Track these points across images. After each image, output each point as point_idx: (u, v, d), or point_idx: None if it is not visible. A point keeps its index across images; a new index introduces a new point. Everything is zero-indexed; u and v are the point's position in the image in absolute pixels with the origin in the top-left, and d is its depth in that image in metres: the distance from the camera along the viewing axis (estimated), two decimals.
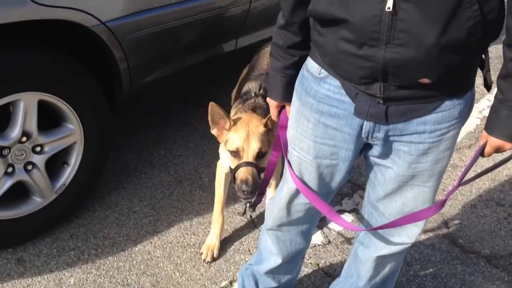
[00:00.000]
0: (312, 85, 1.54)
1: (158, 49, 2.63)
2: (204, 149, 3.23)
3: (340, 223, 1.68)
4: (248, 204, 2.24)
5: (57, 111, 2.37)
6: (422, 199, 1.62)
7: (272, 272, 2.01)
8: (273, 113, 1.80)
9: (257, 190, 2.07)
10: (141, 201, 2.80)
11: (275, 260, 1.97)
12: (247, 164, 2.07)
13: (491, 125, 1.45)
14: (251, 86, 2.53)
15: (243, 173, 2.06)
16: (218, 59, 3.08)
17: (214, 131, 2.20)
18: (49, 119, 2.38)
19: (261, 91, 2.47)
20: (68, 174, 2.50)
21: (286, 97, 1.69)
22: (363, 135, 1.52)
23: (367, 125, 1.49)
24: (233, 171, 2.11)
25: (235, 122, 2.16)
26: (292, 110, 1.66)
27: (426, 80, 1.35)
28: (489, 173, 3.11)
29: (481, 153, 1.52)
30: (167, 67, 2.76)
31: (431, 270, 2.50)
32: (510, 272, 2.50)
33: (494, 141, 1.45)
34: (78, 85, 2.38)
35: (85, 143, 2.50)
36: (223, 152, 2.22)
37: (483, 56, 1.48)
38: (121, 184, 2.90)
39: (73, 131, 2.43)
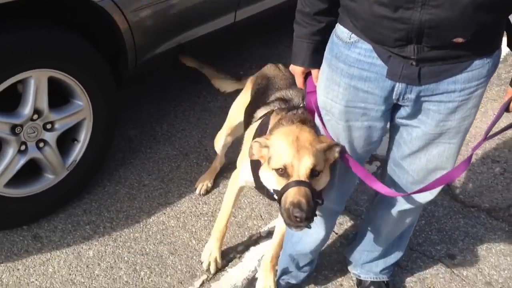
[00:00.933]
0: (342, 50, 1.56)
1: (162, 22, 2.64)
2: (206, 122, 3.27)
3: (378, 188, 1.69)
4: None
5: (67, 88, 2.39)
6: (446, 155, 1.67)
7: (315, 248, 2.06)
8: (299, 80, 1.81)
9: (314, 216, 1.64)
10: (149, 175, 2.84)
11: (318, 233, 2.00)
12: (298, 183, 1.61)
13: None
14: (288, 94, 2.09)
15: (293, 195, 1.59)
16: (219, 33, 3.10)
17: (255, 157, 1.76)
18: (59, 97, 2.39)
19: (292, 103, 2.03)
20: (78, 150, 2.53)
21: (313, 63, 1.71)
22: (394, 97, 1.56)
23: (399, 86, 1.52)
24: (279, 194, 1.65)
25: (276, 127, 1.78)
26: (321, 77, 1.68)
27: (460, 40, 1.38)
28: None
29: (506, 108, 1.58)
30: (171, 41, 2.77)
31: (436, 224, 2.62)
32: (510, 223, 2.63)
33: None
34: (86, 61, 2.40)
35: (94, 119, 2.52)
36: (265, 173, 1.72)
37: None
38: (128, 159, 2.94)
39: (82, 108, 2.45)
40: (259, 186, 1.86)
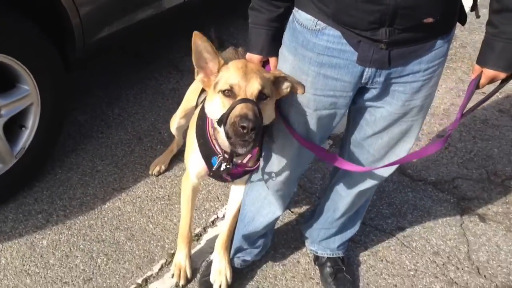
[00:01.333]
0: (309, 38, 1.54)
1: (109, 1, 2.57)
2: (159, 105, 3.23)
3: (347, 167, 1.73)
4: (226, 162, 1.73)
5: (11, 72, 2.29)
6: (408, 131, 1.72)
7: (269, 225, 2.09)
8: None
9: (260, 131, 1.56)
10: (103, 161, 2.79)
11: (272, 212, 2.02)
12: (245, 100, 1.54)
13: (485, 58, 1.55)
14: None
15: (240, 108, 1.52)
16: (169, 14, 3.04)
17: (199, 77, 1.67)
18: (3, 81, 2.30)
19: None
20: (26, 137, 2.45)
21: (271, 51, 1.68)
22: (363, 81, 1.57)
23: (369, 71, 1.54)
24: (225, 116, 1.55)
25: (226, 62, 1.67)
26: (285, 67, 1.65)
27: (430, 20, 1.42)
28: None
29: (476, 86, 1.63)
30: (118, 21, 2.70)
31: (386, 199, 2.72)
32: (455, 195, 2.77)
33: (489, 73, 1.56)
34: (30, 43, 2.30)
35: (41, 104, 2.44)
36: (210, 103, 1.64)
37: None
38: (79, 145, 2.87)
39: (29, 92, 2.36)
40: (213, 171, 1.81)
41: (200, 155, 1.85)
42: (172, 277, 2.22)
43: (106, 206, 2.52)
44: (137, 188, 2.64)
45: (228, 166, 1.74)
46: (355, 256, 2.40)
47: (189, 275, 2.22)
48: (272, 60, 1.69)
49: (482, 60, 1.57)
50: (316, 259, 2.32)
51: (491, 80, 1.59)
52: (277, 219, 2.11)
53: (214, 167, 1.77)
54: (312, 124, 1.68)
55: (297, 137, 1.69)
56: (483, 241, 2.51)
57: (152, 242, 2.37)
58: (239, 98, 1.55)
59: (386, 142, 1.75)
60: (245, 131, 1.49)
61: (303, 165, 1.91)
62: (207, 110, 1.67)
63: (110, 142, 2.91)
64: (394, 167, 1.86)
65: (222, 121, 1.56)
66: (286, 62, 1.64)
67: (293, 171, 1.86)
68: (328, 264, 2.27)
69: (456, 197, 2.75)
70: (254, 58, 1.69)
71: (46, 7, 2.37)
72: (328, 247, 2.27)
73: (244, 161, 1.80)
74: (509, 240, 2.52)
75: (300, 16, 1.55)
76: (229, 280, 2.18)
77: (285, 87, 1.64)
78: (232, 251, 2.24)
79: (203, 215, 2.54)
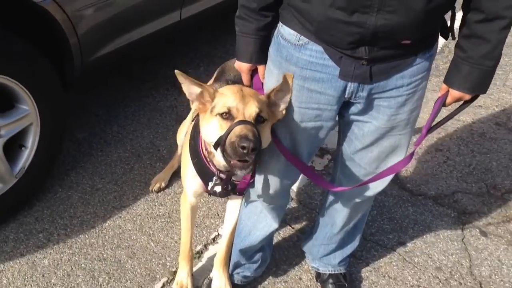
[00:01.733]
0: (292, 52, 1.58)
1: (107, 21, 2.59)
2: (157, 122, 3.24)
3: (325, 185, 1.79)
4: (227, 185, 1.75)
5: (10, 92, 2.30)
6: (398, 145, 1.75)
7: (266, 239, 2.09)
8: (245, 77, 1.79)
9: (260, 152, 1.56)
10: (102, 179, 2.78)
11: (269, 225, 2.04)
12: (244, 122, 1.54)
13: (452, 79, 1.60)
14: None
15: (240, 129, 1.51)
16: (165, 32, 3.06)
17: (194, 105, 1.68)
18: (2, 102, 2.30)
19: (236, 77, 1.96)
20: (26, 157, 2.45)
21: (259, 59, 1.71)
22: (346, 95, 1.60)
23: (351, 86, 1.57)
24: (223, 138, 1.54)
25: (217, 89, 1.68)
26: (270, 79, 1.68)
27: (407, 41, 1.47)
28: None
29: (443, 103, 1.67)
30: (116, 40, 2.72)
31: (387, 214, 2.72)
32: (455, 209, 2.78)
33: (455, 93, 1.61)
34: (29, 64, 2.31)
35: (41, 124, 2.44)
36: (207, 126, 1.63)
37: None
38: (79, 163, 2.86)
39: (28, 112, 2.37)
40: (208, 190, 1.81)
41: (195, 173, 1.84)
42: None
43: (107, 225, 2.52)
44: (137, 206, 2.63)
45: (224, 188, 1.75)
46: (357, 272, 2.40)
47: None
48: (260, 68, 1.73)
49: (449, 81, 1.62)
50: (318, 276, 2.31)
51: (457, 100, 1.64)
52: (273, 232, 2.11)
53: (209, 188, 1.77)
54: (299, 136, 1.71)
55: (283, 151, 1.71)
56: (485, 256, 2.51)
57: (153, 260, 2.36)
58: (237, 120, 1.55)
59: (376, 155, 1.77)
60: (245, 151, 1.48)
61: (291, 177, 1.90)
62: (203, 134, 1.67)
63: (110, 160, 2.91)
64: (386, 181, 1.88)
65: (219, 144, 1.56)
66: (271, 76, 1.68)
67: (282, 183, 1.86)
68: (330, 281, 2.26)
69: (457, 211, 2.76)
70: (243, 66, 1.72)
71: (43, 28, 2.38)
72: (329, 264, 2.27)
73: (241, 180, 1.80)
74: (511, 254, 2.52)
75: (284, 31, 1.59)
76: None
77: (282, 109, 1.66)
78: (231, 267, 2.23)
79: (204, 232, 2.54)
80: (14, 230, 2.43)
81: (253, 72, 1.78)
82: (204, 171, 1.79)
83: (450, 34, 1.66)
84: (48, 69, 2.43)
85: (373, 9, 1.39)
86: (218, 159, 1.63)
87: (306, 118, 1.67)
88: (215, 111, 1.60)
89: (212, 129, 1.60)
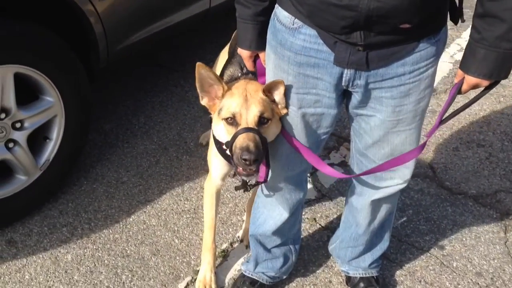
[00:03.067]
0: (286, 37, 1.51)
1: (133, 10, 2.51)
2: (185, 113, 3.16)
3: (328, 172, 1.70)
4: (249, 182, 1.83)
5: (35, 84, 2.26)
6: (409, 142, 1.66)
7: (279, 230, 2.00)
8: (248, 64, 1.74)
9: (262, 159, 1.66)
10: (128, 171, 2.73)
11: (280, 213, 1.96)
12: (247, 130, 1.64)
13: (467, 64, 1.48)
14: (232, 70, 2.04)
15: (242, 140, 1.62)
16: (194, 20, 2.97)
17: (204, 101, 1.74)
18: (27, 93, 2.25)
19: (245, 69, 1.97)
20: (51, 149, 2.41)
21: (260, 45, 1.64)
22: (343, 83, 1.53)
23: (348, 72, 1.49)
24: (229, 144, 1.66)
25: (229, 87, 1.72)
26: (269, 64, 1.63)
27: (406, 25, 1.36)
28: (467, 116, 3.21)
29: (458, 91, 1.56)
30: (142, 30, 2.64)
31: (424, 214, 2.57)
32: (497, 209, 2.60)
33: (471, 80, 1.49)
34: (54, 55, 2.26)
35: (66, 116, 2.39)
36: (216, 127, 1.73)
37: None
38: (105, 155, 2.81)
39: (52, 104, 2.32)
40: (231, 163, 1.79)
41: (217, 150, 1.92)
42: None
43: (131, 220, 2.46)
44: (162, 201, 2.57)
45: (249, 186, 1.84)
46: (391, 276, 2.26)
47: None
48: (261, 54, 1.67)
49: (464, 66, 1.50)
50: (348, 280, 2.19)
51: (473, 87, 1.52)
52: (288, 223, 2.01)
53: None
54: (299, 122, 1.65)
55: (285, 136, 1.69)
56: None
57: (177, 258, 2.29)
58: (240, 127, 1.64)
59: (389, 152, 1.68)
60: (247, 162, 1.59)
61: (298, 164, 1.81)
62: (214, 133, 1.77)
63: (136, 152, 2.85)
64: (403, 177, 1.78)
65: (228, 146, 1.67)
66: (269, 60, 1.62)
67: (288, 169, 1.81)
68: (362, 285, 2.14)
69: (499, 212, 2.58)
70: (244, 53, 1.69)
71: (69, 18, 2.32)
72: (359, 266, 2.15)
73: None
74: None
75: (279, 14, 1.52)
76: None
77: (280, 103, 1.67)
78: (252, 262, 2.15)
79: (230, 229, 2.45)
80: (38, 224, 2.39)
81: (256, 58, 1.72)
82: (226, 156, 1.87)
83: (460, 17, 1.54)
84: (73, 60, 2.38)
85: None
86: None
87: (305, 104, 1.60)
88: (221, 115, 1.68)
89: (221, 132, 1.71)
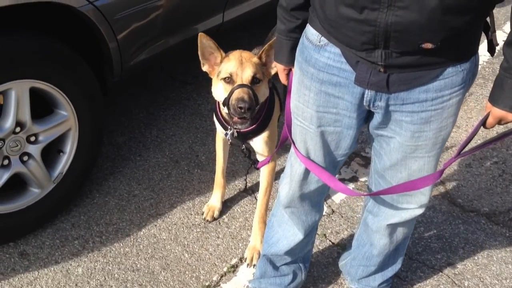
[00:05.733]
0: (312, 53, 1.52)
1: (146, 26, 2.53)
2: (197, 126, 3.18)
3: (340, 188, 1.68)
4: (249, 158, 2.21)
5: (49, 98, 2.29)
6: (427, 169, 1.63)
7: (291, 250, 2.00)
8: (282, 76, 1.78)
9: (254, 111, 2.01)
10: (139, 184, 2.75)
11: (295, 234, 1.96)
12: (241, 85, 1.98)
13: (494, 95, 1.44)
14: None
15: (238, 93, 1.97)
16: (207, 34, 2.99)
17: (205, 68, 2.11)
18: (41, 107, 2.29)
19: None
20: (64, 162, 2.43)
21: (291, 61, 1.67)
22: (364, 103, 1.51)
23: (369, 93, 1.48)
24: (227, 100, 2.00)
25: (227, 54, 2.08)
26: (294, 79, 1.65)
27: (429, 45, 1.32)
28: (480, 132, 3.18)
29: (484, 123, 1.51)
30: (156, 44, 2.67)
31: (435, 231, 2.55)
32: (510, 228, 2.57)
33: (497, 112, 1.44)
34: (69, 69, 2.29)
35: (79, 129, 2.42)
36: (215, 88, 2.08)
37: (487, 19, 1.46)
38: (117, 168, 2.84)
39: (67, 118, 2.35)
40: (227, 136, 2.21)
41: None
42: (202, 214, 2.57)
43: (142, 233, 2.47)
44: (173, 215, 2.58)
45: (233, 133, 2.16)
46: None
47: (215, 216, 2.55)
48: (294, 69, 1.68)
49: (492, 98, 1.45)
50: None
51: (499, 121, 1.46)
52: (301, 244, 2.01)
53: (227, 137, 2.21)
54: (318, 141, 1.64)
55: (298, 155, 1.70)
56: None
57: (187, 272, 2.30)
58: (236, 84, 1.99)
59: (406, 177, 1.65)
60: (242, 110, 1.95)
61: (313, 185, 1.81)
62: (213, 94, 2.12)
63: (148, 165, 2.87)
64: (421, 204, 1.76)
65: (225, 103, 2.01)
66: (295, 76, 1.64)
67: (302, 189, 1.81)
68: None
69: None
70: (278, 66, 1.76)
71: (83, 32, 2.35)
72: (368, 285, 2.14)
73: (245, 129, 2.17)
74: None
75: (308, 31, 1.54)
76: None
77: (273, 66, 2.01)
78: (257, 273, 2.15)
79: (240, 244, 2.45)
80: (50, 236, 2.42)
81: (289, 72, 1.75)
82: (221, 123, 2.25)
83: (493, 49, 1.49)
84: (87, 74, 2.41)
85: (383, 5, 1.27)
86: (225, 115, 2.17)
87: (324, 122, 1.59)
88: (220, 76, 2.04)
89: (219, 91, 2.06)
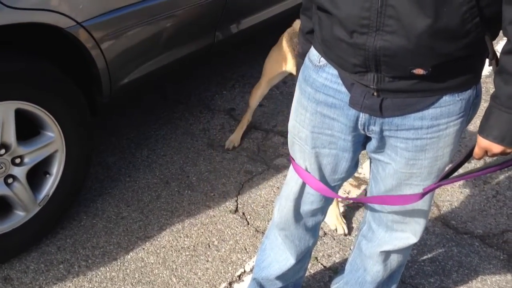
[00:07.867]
0: (311, 73, 1.52)
1: (136, 47, 2.51)
2: (188, 147, 3.14)
3: (329, 194, 1.67)
4: None
5: (36, 119, 2.25)
6: (422, 198, 1.58)
7: (283, 275, 1.95)
8: None
9: None
10: (128, 206, 2.70)
11: (287, 259, 1.91)
12: None
13: (481, 124, 1.38)
14: None
15: None
16: (199, 54, 2.98)
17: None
18: (27, 128, 2.25)
19: None
20: (51, 184, 2.38)
21: None
22: (359, 127, 1.49)
23: (363, 116, 1.46)
24: None
25: None
26: (294, 98, 1.64)
27: (420, 71, 1.29)
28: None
29: (470, 153, 1.45)
30: (146, 64, 2.65)
31: (428, 254, 2.51)
32: (505, 250, 2.53)
33: (482, 142, 1.37)
34: (56, 90, 2.26)
35: (66, 151, 2.38)
36: None
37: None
38: (106, 189, 2.80)
39: (53, 139, 2.31)
40: None
41: None
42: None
43: (129, 257, 2.42)
44: (161, 237, 2.53)
45: None
46: None
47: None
48: None
49: (479, 126, 1.39)
50: None
51: (485, 152, 1.38)
52: (293, 270, 1.96)
53: None
54: (312, 162, 1.62)
55: (296, 169, 1.68)
56: None
57: None
58: None
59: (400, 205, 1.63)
60: None
61: (307, 206, 1.77)
62: None
63: (137, 187, 2.83)
64: (416, 237, 1.74)
65: None
66: (295, 94, 1.63)
67: (296, 208, 1.77)
68: None
69: (507, 254, 2.51)
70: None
71: (71, 53, 2.33)
72: None
73: None
74: None
75: (311, 51, 1.55)
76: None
77: None
78: None
79: (229, 268, 2.40)
80: (35, 260, 2.36)
81: None
82: None
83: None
84: (75, 95, 2.37)
85: (371, 29, 1.26)
86: None
87: (319, 144, 1.57)
88: None
89: None
